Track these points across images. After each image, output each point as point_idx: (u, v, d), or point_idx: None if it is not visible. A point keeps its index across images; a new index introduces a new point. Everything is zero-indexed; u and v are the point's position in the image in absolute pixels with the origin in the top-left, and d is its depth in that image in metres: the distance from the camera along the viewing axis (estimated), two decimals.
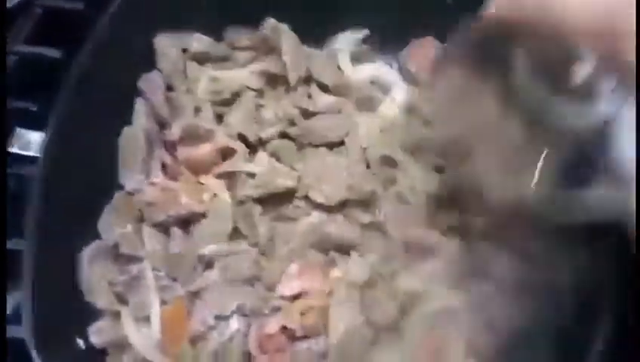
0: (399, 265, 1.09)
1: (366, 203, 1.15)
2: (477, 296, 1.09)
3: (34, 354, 0.91)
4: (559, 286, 1.03)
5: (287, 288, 1.06)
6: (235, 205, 1.15)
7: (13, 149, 1.31)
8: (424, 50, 1.32)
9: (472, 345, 1.07)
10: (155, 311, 1.08)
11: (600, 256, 0.94)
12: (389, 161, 1.19)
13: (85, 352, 1.04)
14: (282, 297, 1.06)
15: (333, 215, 1.15)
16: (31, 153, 1.30)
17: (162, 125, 1.28)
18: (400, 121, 1.24)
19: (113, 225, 1.14)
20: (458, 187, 1.15)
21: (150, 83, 1.29)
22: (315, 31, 1.34)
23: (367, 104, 1.27)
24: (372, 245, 1.13)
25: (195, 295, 1.09)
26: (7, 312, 1.06)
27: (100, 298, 1.09)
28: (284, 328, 1.03)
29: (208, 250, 1.10)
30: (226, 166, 1.19)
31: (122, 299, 1.10)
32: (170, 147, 1.24)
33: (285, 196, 1.14)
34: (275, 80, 1.31)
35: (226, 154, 1.22)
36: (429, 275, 1.09)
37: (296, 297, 1.06)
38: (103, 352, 1.07)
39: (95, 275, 1.10)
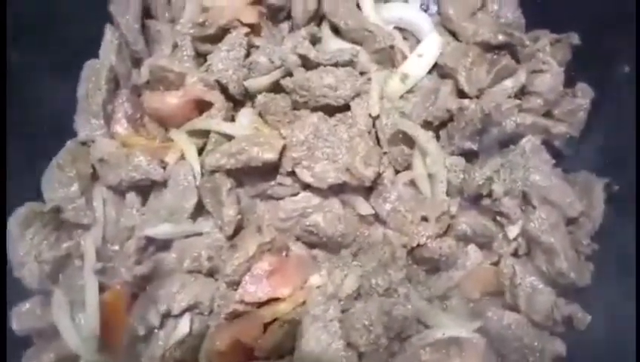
0: (399, 278, 0.83)
1: (368, 189, 0.89)
2: (495, 326, 0.84)
3: None
4: None
5: (251, 292, 0.82)
6: (204, 174, 0.91)
7: None
8: None
9: None
10: (92, 297, 0.87)
11: None
12: (404, 139, 0.90)
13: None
14: (243, 302, 0.83)
15: (327, 198, 0.89)
16: None
17: (137, 62, 1.03)
18: (426, 86, 0.93)
19: (57, 184, 0.92)
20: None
21: (123, 7, 1.02)
22: None
23: (387, 56, 0.95)
24: (369, 246, 0.87)
25: (144, 280, 0.87)
26: None
27: (30, 274, 0.88)
28: (239, 343, 0.80)
29: (157, 231, 0.87)
30: (197, 122, 0.93)
31: (55, 279, 0.90)
32: (136, 91, 1.00)
33: (267, 169, 0.88)
34: (276, 14, 1.02)
35: (205, 105, 0.97)
36: (438, 294, 0.84)
37: (262, 303, 0.83)
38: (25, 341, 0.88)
39: (25, 246, 0.89)
